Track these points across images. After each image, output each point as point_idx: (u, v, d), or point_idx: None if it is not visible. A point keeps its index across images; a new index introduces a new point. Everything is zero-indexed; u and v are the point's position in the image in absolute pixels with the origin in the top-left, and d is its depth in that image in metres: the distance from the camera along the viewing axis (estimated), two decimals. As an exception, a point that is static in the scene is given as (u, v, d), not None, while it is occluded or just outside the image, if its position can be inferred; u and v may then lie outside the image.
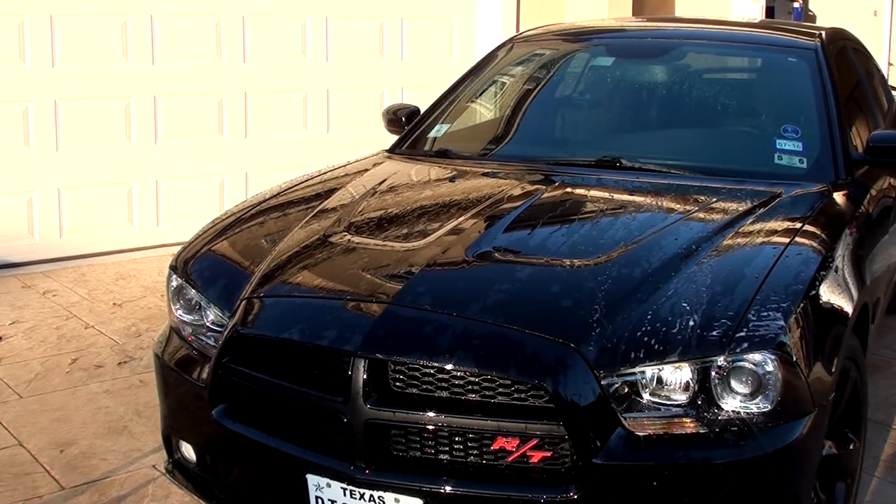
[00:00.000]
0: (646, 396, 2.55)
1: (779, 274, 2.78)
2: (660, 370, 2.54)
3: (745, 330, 2.55)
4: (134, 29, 6.36)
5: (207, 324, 3.07)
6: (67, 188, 6.24)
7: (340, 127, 7.34)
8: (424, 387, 2.59)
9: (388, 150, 4.34)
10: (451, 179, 3.77)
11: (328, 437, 2.68)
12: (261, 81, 6.92)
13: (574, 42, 4.90)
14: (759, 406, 2.53)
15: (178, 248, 3.45)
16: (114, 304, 5.50)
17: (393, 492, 2.57)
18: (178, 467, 3.16)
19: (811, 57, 4.10)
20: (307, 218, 3.40)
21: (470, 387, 2.56)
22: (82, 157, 6.27)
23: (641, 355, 2.53)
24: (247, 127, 6.93)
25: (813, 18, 10.77)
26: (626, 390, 2.55)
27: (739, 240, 3.02)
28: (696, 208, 3.31)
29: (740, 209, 3.26)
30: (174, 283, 3.22)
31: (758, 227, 3.15)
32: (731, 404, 2.54)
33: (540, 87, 4.65)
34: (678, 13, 9.57)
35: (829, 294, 2.89)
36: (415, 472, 2.58)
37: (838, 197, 3.54)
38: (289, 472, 2.73)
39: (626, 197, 3.53)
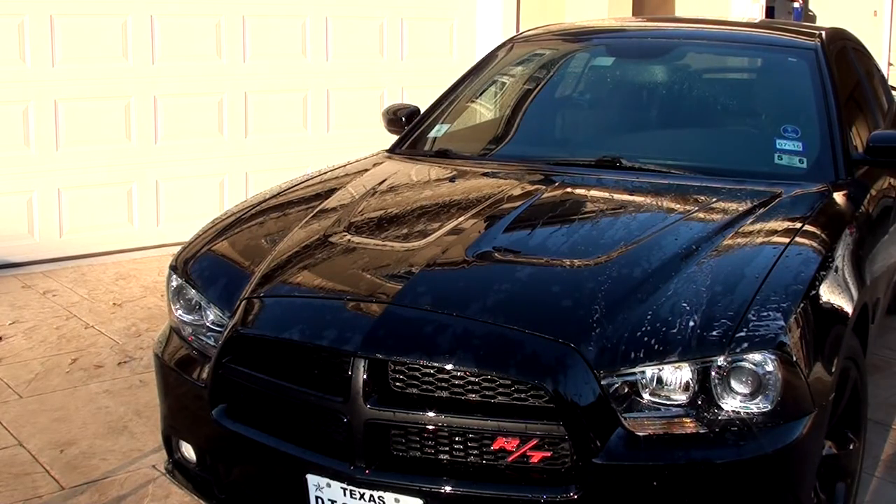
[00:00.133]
0: (646, 396, 2.55)
1: (779, 274, 2.78)
2: (660, 370, 2.54)
3: (745, 330, 2.55)
4: (134, 29, 6.36)
5: (207, 324, 3.07)
6: (67, 188, 6.24)
7: (340, 127, 7.34)
8: (424, 387, 2.59)
9: (388, 150, 4.34)
10: (451, 179, 3.77)
11: (328, 437, 2.68)
12: (261, 81, 6.93)
13: (574, 42, 4.90)
14: (759, 406, 2.53)
15: (178, 248, 3.45)
16: (114, 304, 5.50)
17: (393, 492, 2.57)
18: (178, 467, 3.16)
19: (811, 57, 4.10)
20: (307, 218, 3.40)
21: (470, 387, 2.56)
22: (82, 157, 6.27)
23: (641, 355, 2.53)
24: (247, 127, 6.93)
25: (813, 18, 10.77)
26: (626, 390, 2.55)
27: (739, 240, 3.02)
28: (696, 208, 3.31)
29: (740, 209, 3.26)
30: (174, 283, 3.22)
31: (758, 227, 3.15)
32: (731, 404, 2.54)
33: (540, 87, 4.65)
34: (678, 13, 9.57)
35: (829, 294, 2.89)
36: (415, 472, 2.57)
37: (838, 197, 3.54)
38: (289, 472, 2.73)
39: (626, 197, 3.53)
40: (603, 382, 2.51)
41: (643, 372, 2.54)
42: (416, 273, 2.85)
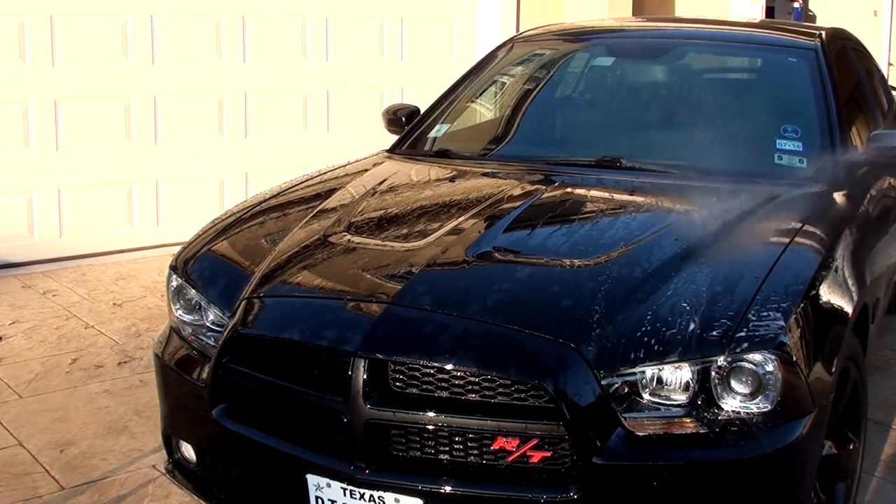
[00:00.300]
0: (646, 396, 2.55)
1: (779, 274, 2.78)
2: (660, 370, 2.54)
3: (745, 330, 2.55)
4: (134, 29, 6.36)
5: (207, 324, 3.07)
6: (67, 188, 6.24)
7: (340, 127, 7.34)
8: (424, 387, 2.59)
9: (388, 150, 4.34)
10: (451, 179, 3.77)
11: (328, 437, 2.68)
12: (261, 81, 6.93)
13: (574, 42, 4.90)
14: (759, 406, 2.53)
15: (178, 248, 3.45)
16: (114, 304, 5.50)
17: (393, 492, 2.57)
18: (178, 467, 3.16)
19: (811, 57, 4.10)
20: (307, 218, 3.40)
21: (470, 387, 2.56)
22: (82, 157, 6.27)
23: (641, 355, 2.53)
24: (247, 127, 6.93)
25: (813, 18, 10.77)
26: (626, 390, 2.55)
27: (739, 240, 3.02)
28: (696, 208, 3.31)
29: (740, 209, 3.26)
30: (174, 283, 3.22)
31: (758, 227, 3.15)
32: (731, 404, 2.54)
33: (540, 87, 4.65)
34: (678, 13, 9.57)
35: (829, 294, 2.89)
36: (415, 472, 2.57)
37: (838, 197, 3.54)
38: (289, 472, 2.73)
39: (626, 197, 3.53)
40: (603, 382, 2.51)
41: (643, 372, 2.54)
42: (416, 273, 2.84)
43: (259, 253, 3.19)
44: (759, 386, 2.54)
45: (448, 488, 2.54)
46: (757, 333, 2.55)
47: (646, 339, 2.55)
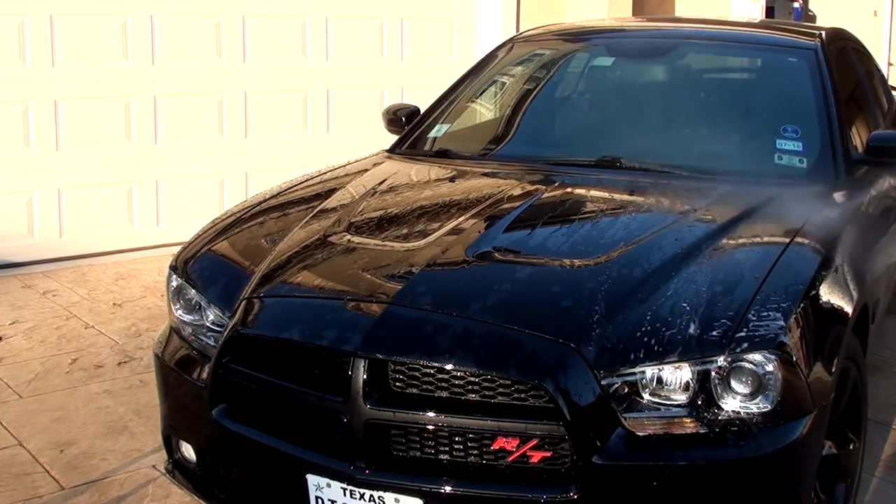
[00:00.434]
0: (646, 396, 2.55)
1: (779, 274, 2.78)
2: (660, 370, 2.54)
3: (745, 330, 2.55)
4: (134, 29, 6.36)
5: (207, 324, 3.07)
6: (67, 188, 6.24)
7: (340, 127, 7.34)
8: (424, 387, 2.59)
9: (388, 150, 4.34)
10: (451, 179, 3.77)
11: (328, 437, 2.68)
12: (261, 81, 6.92)
13: (574, 42, 4.90)
14: (759, 406, 2.53)
15: (178, 248, 3.45)
16: (114, 304, 5.50)
17: (393, 492, 2.57)
18: (178, 467, 3.16)
19: (811, 57, 4.10)
20: (307, 218, 3.40)
21: (470, 387, 2.56)
22: (82, 157, 6.27)
23: (641, 355, 2.53)
24: (247, 127, 6.93)
25: (813, 18, 10.77)
26: (626, 390, 2.55)
27: (739, 240, 3.02)
28: (696, 208, 3.30)
29: (740, 209, 3.26)
30: (174, 283, 3.22)
31: (758, 227, 3.15)
32: (731, 404, 2.54)
33: (540, 87, 4.65)
34: (678, 13, 9.57)
35: (829, 294, 2.89)
36: (415, 472, 2.57)
37: (838, 197, 3.53)
38: (289, 472, 2.73)
39: (626, 197, 3.53)
40: (603, 382, 2.51)
41: (643, 372, 2.54)
42: (416, 273, 2.84)
43: (259, 253, 3.19)
44: (759, 386, 2.54)
45: (448, 488, 2.53)
46: (757, 333, 2.55)
47: (646, 339, 2.55)
